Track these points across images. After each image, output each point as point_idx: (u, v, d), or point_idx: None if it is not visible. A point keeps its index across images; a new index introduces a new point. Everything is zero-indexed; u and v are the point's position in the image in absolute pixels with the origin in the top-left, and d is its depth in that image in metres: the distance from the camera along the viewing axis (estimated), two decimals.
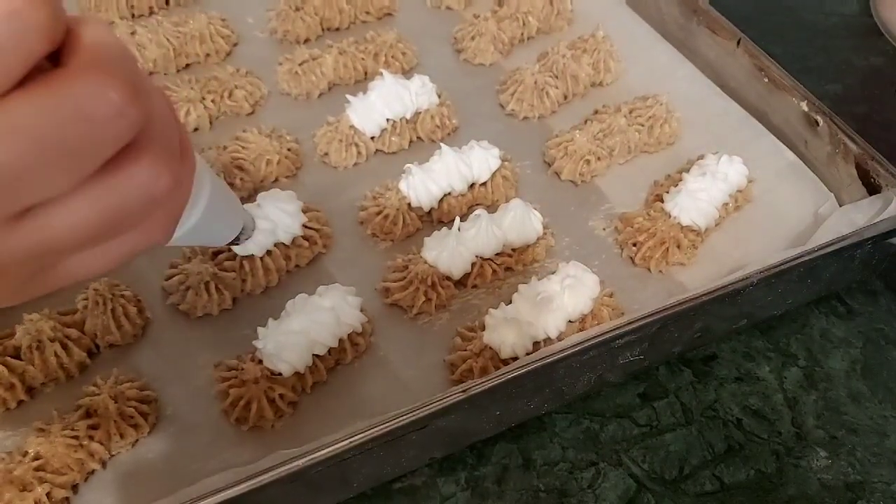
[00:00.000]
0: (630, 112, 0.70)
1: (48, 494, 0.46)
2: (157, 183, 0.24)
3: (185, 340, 0.56)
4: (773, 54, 0.72)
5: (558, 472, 0.53)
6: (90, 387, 0.50)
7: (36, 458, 0.46)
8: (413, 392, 0.53)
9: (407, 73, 0.74)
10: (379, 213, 0.62)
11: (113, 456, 0.50)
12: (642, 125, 0.69)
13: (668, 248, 0.61)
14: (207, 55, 0.74)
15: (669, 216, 0.62)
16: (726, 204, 0.64)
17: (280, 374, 0.51)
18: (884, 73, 0.86)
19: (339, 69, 0.73)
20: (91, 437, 0.48)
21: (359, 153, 0.67)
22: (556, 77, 0.74)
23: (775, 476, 0.54)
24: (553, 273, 0.57)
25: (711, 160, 0.66)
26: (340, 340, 0.53)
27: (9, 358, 0.51)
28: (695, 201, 0.62)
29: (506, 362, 0.52)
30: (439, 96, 0.70)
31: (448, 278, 0.58)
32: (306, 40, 0.78)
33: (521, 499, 0.52)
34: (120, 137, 0.22)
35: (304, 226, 0.59)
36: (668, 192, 0.64)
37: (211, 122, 0.70)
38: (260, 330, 0.52)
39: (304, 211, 0.60)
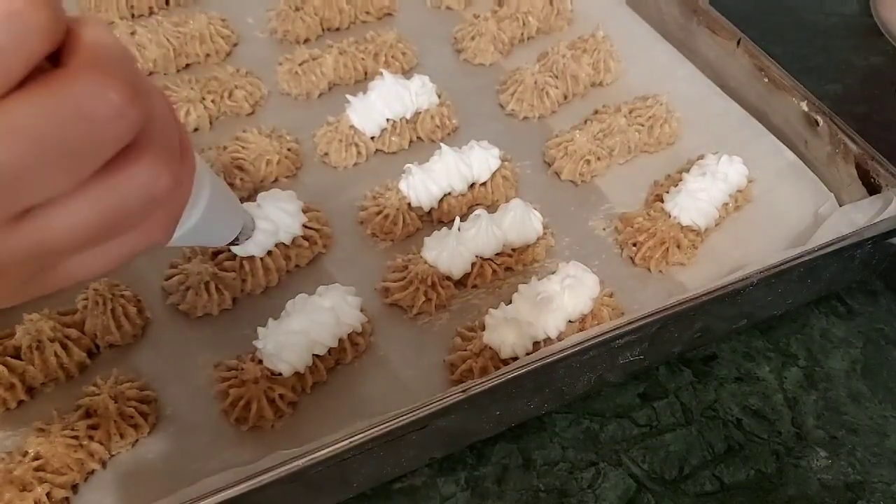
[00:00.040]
0: (630, 112, 0.70)
1: (48, 494, 0.46)
2: (157, 183, 0.24)
3: (184, 340, 0.56)
4: (773, 54, 0.72)
5: (558, 472, 0.53)
6: (90, 387, 0.50)
7: (36, 458, 0.46)
8: (413, 392, 0.53)
9: (407, 73, 0.74)
10: (379, 212, 0.62)
11: (113, 456, 0.50)
12: (642, 125, 0.69)
13: (668, 248, 0.61)
14: (207, 55, 0.74)
15: (669, 216, 0.62)
16: (726, 204, 0.64)
17: (280, 374, 0.51)
18: (884, 73, 0.86)
19: (339, 69, 0.73)
20: (91, 437, 0.48)
21: (359, 153, 0.67)
22: (556, 77, 0.74)
23: (775, 476, 0.54)
24: (553, 273, 0.57)
25: (711, 160, 0.66)
26: (340, 340, 0.53)
27: (9, 358, 0.51)
28: (695, 201, 0.62)
29: (506, 362, 0.52)
30: (439, 96, 0.70)
31: (448, 278, 0.58)
32: (306, 40, 0.78)
33: (521, 499, 0.52)
34: (120, 138, 0.22)
35: (304, 226, 0.59)
36: (668, 192, 0.64)
37: (211, 123, 0.70)
38: (260, 330, 0.52)
39: (304, 211, 0.60)
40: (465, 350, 0.54)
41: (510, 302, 0.56)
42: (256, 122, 0.69)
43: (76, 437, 0.48)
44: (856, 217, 0.61)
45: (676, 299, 0.52)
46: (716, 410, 0.57)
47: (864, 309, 0.65)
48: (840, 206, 0.66)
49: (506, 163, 0.66)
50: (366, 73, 0.74)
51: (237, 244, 0.45)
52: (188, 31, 0.73)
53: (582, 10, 0.84)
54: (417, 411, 0.45)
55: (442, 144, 0.63)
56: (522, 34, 0.80)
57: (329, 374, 0.54)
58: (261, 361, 0.51)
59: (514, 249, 0.61)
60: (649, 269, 0.62)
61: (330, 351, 0.53)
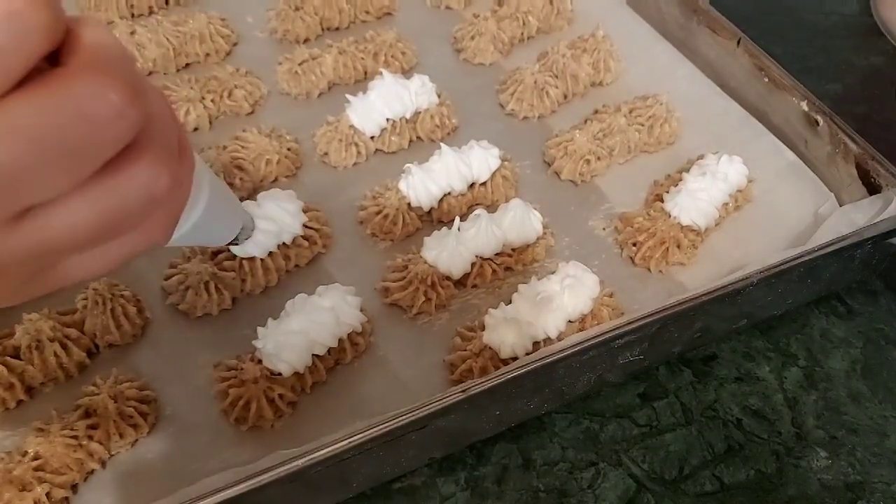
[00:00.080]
0: (630, 112, 0.70)
1: (48, 494, 0.46)
2: (157, 183, 0.24)
3: (184, 340, 0.56)
4: (773, 54, 0.72)
5: (558, 472, 0.53)
6: (89, 387, 0.50)
7: (35, 457, 0.46)
8: (413, 392, 0.53)
9: (407, 73, 0.74)
10: (379, 212, 0.62)
11: (112, 456, 0.50)
12: (642, 125, 0.69)
13: (668, 248, 0.61)
14: (207, 55, 0.74)
15: (669, 216, 0.62)
16: (726, 204, 0.64)
17: (280, 374, 0.51)
18: (884, 73, 0.86)
19: (339, 69, 0.73)
20: (90, 437, 0.48)
21: (358, 153, 0.67)
22: (556, 77, 0.73)
23: (775, 476, 0.54)
24: (553, 273, 0.57)
25: (711, 160, 0.66)
26: (340, 340, 0.53)
27: (8, 358, 0.51)
28: (695, 201, 0.62)
29: (506, 362, 0.52)
30: (439, 96, 0.70)
31: (448, 278, 0.58)
32: (306, 40, 0.77)
33: (520, 499, 0.52)
34: (119, 138, 0.22)
35: (304, 225, 0.59)
36: (668, 192, 0.64)
37: (210, 122, 0.70)
38: (259, 330, 0.52)
39: (304, 211, 0.60)
40: (465, 350, 0.54)
41: (510, 302, 0.56)
42: (256, 121, 0.69)
43: (76, 437, 0.48)
44: (856, 217, 0.61)
45: (676, 299, 0.52)
46: (716, 410, 0.57)
47: (864, 309, 0.65)
48: (840, 205, 0.66)
49: (506, 162, 0.66)
50: (365, 73, 0.74)
51: (237, 244, 0.45)
52: (188, 30, 0.73)
53: (582, 9, 0.84)
54: (417, 411, 0.45)
55: (442, 144, 0.63)
56: (522, 34, 0.80)
57: (329, 374, 0.54)
58: (260, 361, 0.51)
59: (513, 249, 0.61)
60: (649, 269, 0.62)
61: (329, 351, 0.53)
